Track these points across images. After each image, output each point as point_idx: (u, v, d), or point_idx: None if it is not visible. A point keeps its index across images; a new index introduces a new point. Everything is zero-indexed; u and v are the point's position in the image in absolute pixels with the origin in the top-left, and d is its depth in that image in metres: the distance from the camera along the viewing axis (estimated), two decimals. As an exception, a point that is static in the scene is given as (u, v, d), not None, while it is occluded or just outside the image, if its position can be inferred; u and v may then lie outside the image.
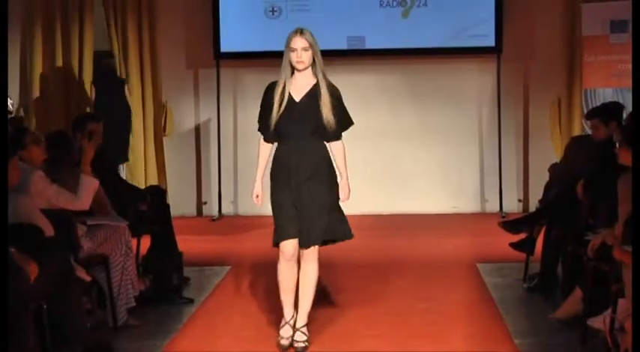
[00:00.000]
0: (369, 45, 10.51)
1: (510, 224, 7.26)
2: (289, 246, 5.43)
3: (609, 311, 4.93)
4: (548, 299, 6.50)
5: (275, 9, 10.68)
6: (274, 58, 10.07)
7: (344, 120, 5.50)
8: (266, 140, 5.57)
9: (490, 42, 10.53)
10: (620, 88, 9.98)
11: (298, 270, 5.52)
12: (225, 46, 10.68)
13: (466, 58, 10.72)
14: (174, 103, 10.82)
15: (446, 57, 10.68)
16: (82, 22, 10.00)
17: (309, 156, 5.41)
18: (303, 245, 5.43)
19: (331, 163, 5.48)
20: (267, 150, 5.60)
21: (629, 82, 9.97)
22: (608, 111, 7.15)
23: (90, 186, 5.91)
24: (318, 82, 5.41)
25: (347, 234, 5.59)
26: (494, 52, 10.57)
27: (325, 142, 5.49)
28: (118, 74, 10.31)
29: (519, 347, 5.44)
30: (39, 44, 8.92)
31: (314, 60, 5.40)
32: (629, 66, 9.94)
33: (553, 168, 7.67)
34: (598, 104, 9.21)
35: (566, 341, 5.50)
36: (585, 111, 9.32)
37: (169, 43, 10.73)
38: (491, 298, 6.67)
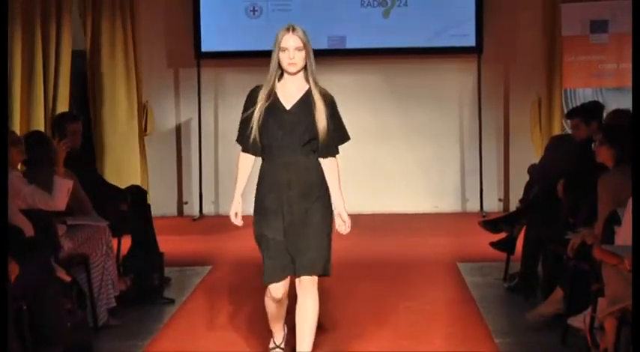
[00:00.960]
0: (350, 45, 10.53)
1: (490, 223, 7.30)
2: (280, 288, 4.76)
3: (589, 310, 4.97)
4: (528, 298, 6.51)
5: (256, 9, 10.69)
6: (255, 57, 10.26)
7: (340, 134, 4.82)
8: (247, 151, 4.82)
9: (470, 42, 10.58)
10: (600, 88, 10.05)
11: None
12: (206, 46, 10.69)
13: (447, 57, 10.76)
14: (155, 103, 10.81)
15: (426, 57, 10.72)
16: (59, 22, 9.96)
17: (303, 174, 4.70)
18: (302, 274, 4.73)
19: (326, 183, 4.77)
20: (247, 164, 4.84)
21: (608, 82, 10.05)
22: (589, 111, 7.20)
23: (64, 186, 5.92)
24: (310, 88, 4.71)
25: (327, 270, 4.80)
26: (474, 51, 10.61)
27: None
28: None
29: (500, 346, 5.46)
30: (18, 44, 8.86)
31: (306, 62, 4.71)
32: (609, 66, 10.02)
33: (532, 169, 7.71)
34: (578, 104, 9.29)
35: (546, 341, 5.53)
36: (565, 111, 9.38)
37: (150, 42, 10.72)
38: (472, 297, 6.69)
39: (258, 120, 4.69)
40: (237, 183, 4.84)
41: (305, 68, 4.73)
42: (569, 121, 7.81)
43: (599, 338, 4.72)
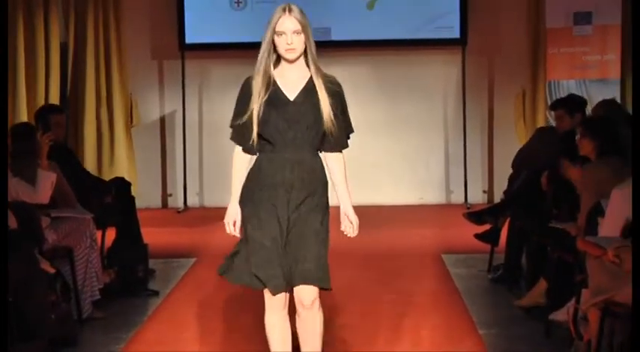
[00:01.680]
0: (335, 36, 10.53)
1: (475, 215, 7.34)
2: (280, 294, 4.23)
3: (573, 301, 4.99)
4: (512, 290, 6.55)
5: (240, 0, 10.68)
6: (240, 49, 10.26)
7: (346, 126, 4.30)
8: (246, 150, 4.24)
9: (455, 34, 10.58)
10: (584, 80, 10.09)
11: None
12: (190, 38, 10.67)
13: (431, 49, 10.77)
14: (139, 94, 10.79)
15: (411, 48, 10.72)
16: (46, 13, 9.95)
17: (308, 175, 4.18)
18: (303, 282, 4.21)
19: (327, 183, 4.29)
20: (244, 165, 4.27)
21: (592, 74, 10.10)
22: (573, 103, 7.24)
23: (47, 179, 5.93)
24: (311, 75, 4.21)
25: (328, 282, 4.29)
26: (459, 44, 10.62)
27: (320, 153, 4.29)
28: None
29: (484, 337, 5.49)
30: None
31: (306, 47, 4.20)
32: (593, 58, 10.07)
33: (516, 162, 7.74)
34: (562, 95, 9.33)
35: (531, 332, 5.56)
36: (549, 103, 9.41)
37: (134, 34, 10.70)
38: (456, 289, 6.72)
39: (258, 115, 4.12)
40: (234, 188, 4.28)
41: (305, 53, 4.21)
42: (552, 113, 7.83)
43: (583, 329, 4.73)
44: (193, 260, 7.81)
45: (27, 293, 4.91)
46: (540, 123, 10.02)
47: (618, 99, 9.50)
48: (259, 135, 4.14)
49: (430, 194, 10.95)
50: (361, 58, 10.82)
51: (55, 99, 9.85)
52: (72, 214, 6.17)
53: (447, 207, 10.65)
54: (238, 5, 10.66)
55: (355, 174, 10.80)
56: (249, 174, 4.23)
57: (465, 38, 10.59)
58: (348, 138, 4.33)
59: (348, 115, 4.31)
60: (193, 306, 6.33)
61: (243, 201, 4.24)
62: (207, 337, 5.60)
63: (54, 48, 10.00)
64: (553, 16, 10.06)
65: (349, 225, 4.33)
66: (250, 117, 4.12)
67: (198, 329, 5.78)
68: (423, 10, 10.57)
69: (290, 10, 4.20)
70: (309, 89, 4.19)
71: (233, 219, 4.27)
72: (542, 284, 5.82)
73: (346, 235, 4.34)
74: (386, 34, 10.59)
